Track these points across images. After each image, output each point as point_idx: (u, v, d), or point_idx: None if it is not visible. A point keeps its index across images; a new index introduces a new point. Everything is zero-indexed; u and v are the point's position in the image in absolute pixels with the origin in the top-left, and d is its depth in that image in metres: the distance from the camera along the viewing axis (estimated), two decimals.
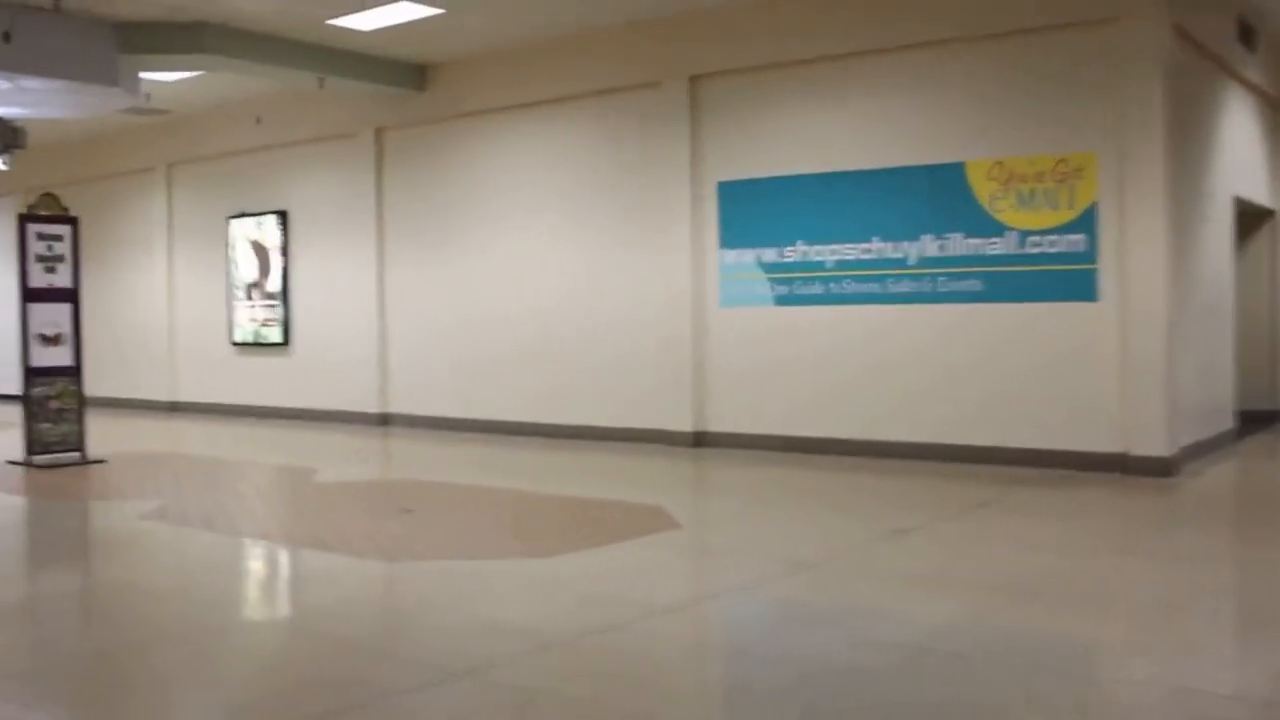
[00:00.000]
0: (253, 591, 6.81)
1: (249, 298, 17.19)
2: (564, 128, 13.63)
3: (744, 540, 7.70)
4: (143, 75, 14.30)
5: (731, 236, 12.24)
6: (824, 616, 5.69)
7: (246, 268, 17.20)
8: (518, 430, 13.85)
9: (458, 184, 14.58)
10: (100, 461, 11.67)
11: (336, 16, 12.42)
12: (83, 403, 11.91)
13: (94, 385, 20.20)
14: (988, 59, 10.70)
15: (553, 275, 13.69)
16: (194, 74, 14.76)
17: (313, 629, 5.61)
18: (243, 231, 17.22)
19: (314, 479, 10.46)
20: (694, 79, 12.48)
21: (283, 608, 6.46)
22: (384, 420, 15.38)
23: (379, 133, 15.43)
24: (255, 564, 7.37)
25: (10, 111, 13.70)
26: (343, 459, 12.55)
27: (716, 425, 12.39)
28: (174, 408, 18.43)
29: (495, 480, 10.37)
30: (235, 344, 17.45)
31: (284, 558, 7.45)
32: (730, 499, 9.79)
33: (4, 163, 13.35)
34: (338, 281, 16.02)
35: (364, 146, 15.53)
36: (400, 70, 14.51)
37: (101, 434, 15.71)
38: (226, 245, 17.46)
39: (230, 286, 17.44)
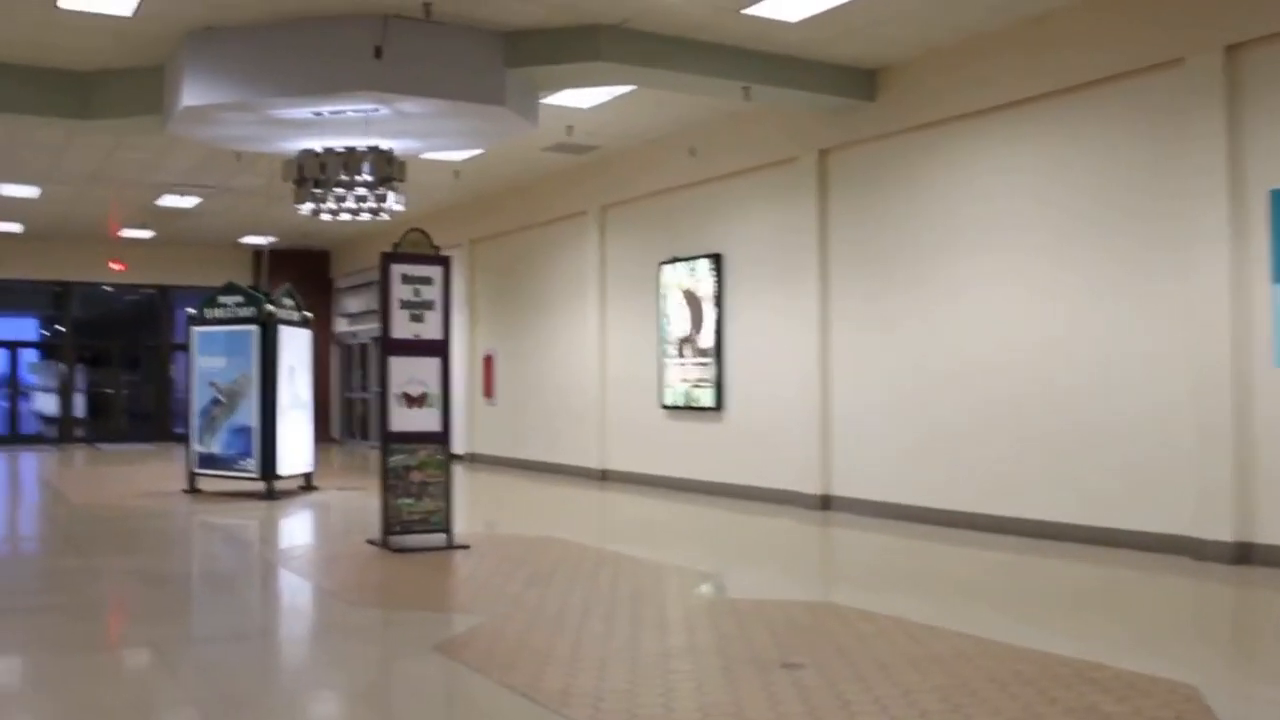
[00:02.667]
0: None
1: (680, 354, 15.07)
2: (1049, 131, 10.39)
3: None
4: (550, 100, 12.59)
5: None
6: None
7: (678, 320, 15.11)
8: (997, 526, 10.62)
9: (917, 212, 11.66)
10: (463, 547, 9.72)
11: (752, 4, 9.96)
12: (449, 475, 10.05)
13: (519, 448, 19.14)
14: None
15: (1039, 323, 10.43)
16: (609, 96, 12.84)
17: None
18: (675, 279, 15.16)
19: (712, 592, 7.87)
20: (1231, 49, 8.91)
21: None
22: (824, 504, 12.62)
23: (822, 155, 12.82)
24: None
25: (405, 146, 12.32)
26: (762, 560, 9.93)
27: (1271, 535, 8.63)
28: (604, 476, 16.63)
29: (950, 610, 7.25)
30: (665, 407, 15.37)
31: None
32: None
33: (396, 201, 11.92)
34: (774, 335, 13.52)
35: (804, 173, 12.97)
36: (843, 75, 11.83)
37: (491, 506, 14.27)
38: (658, 295, 15.47)
39: (662, 341, 15.41)
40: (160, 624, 6.88)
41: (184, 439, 15.04)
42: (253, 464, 13.86)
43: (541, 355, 18.54)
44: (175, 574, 8.77)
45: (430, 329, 10.05)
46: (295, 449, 14.42)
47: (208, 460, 14.33)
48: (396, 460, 9.88)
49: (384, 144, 11.30)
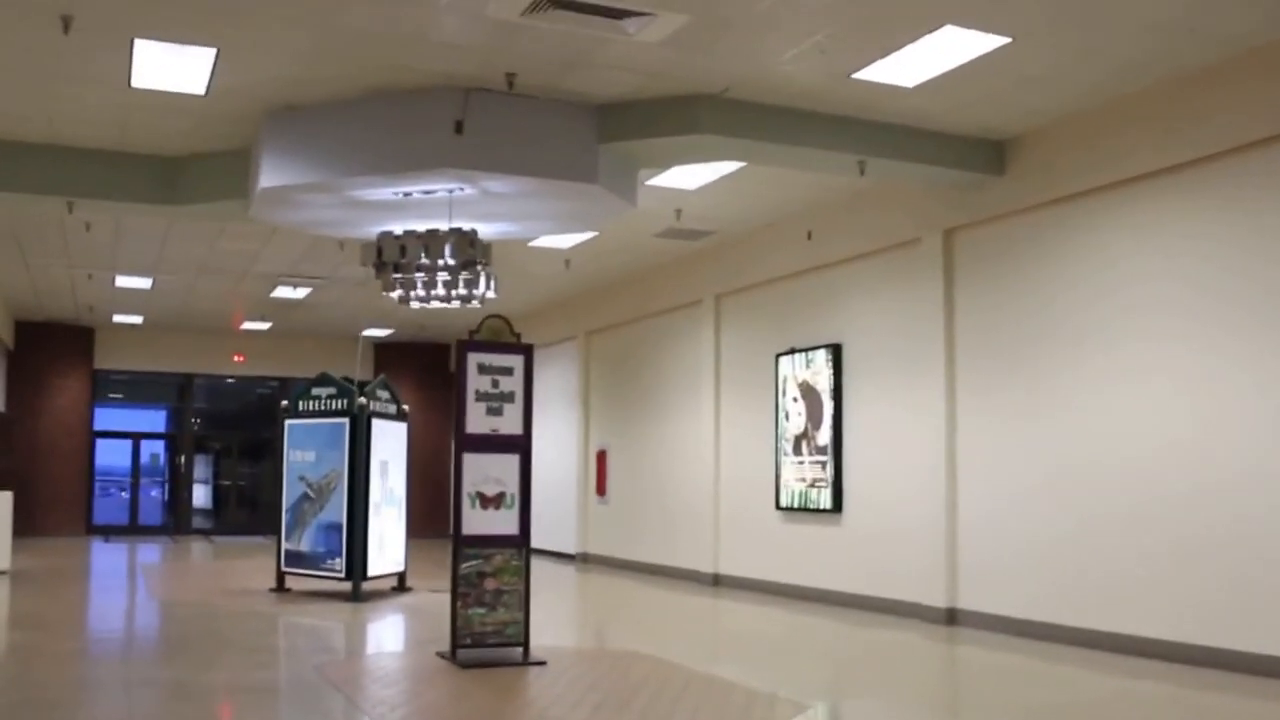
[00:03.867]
0: None
1: (797, 452, 14.00)
2: (1199, 203, 9.21)
3: None
4: (655, 182, 11.87)
5: None
6: None
7: (795, 416, 14.07)
8: (1152, 651, 9.27)
9: (1052, 297, 10.51)
10: (539, 664, 8.77)
11: (863, 67, 9.06)
12: (528, 583, 9.14)
13: (632, 549, 18.13)
14: None
15: (1190, 416, 9.16)
16: (716, 175, 12.03)
17: None
18: (792, 371, 14.15)
19: None
20: None
21: None
22: (950, 618, 11.36)
23: (947, 236, 11.77)
24: None
25: (499, 230, 11.64)
26: (872, 687, 8.76)
27: None
28: (716, 581, 15.54)
29: None
30: (781, 508, 14.27)
31: None
32: None
33: (488, 287, 11.18)
34: (896, 430, 12.40)
35: (929, 255, 11.93)
36: (967, 147, 10.82)
37: (587, 613, 13.26)
38: (775, 389, 14.46)
39: (778, 438, 14.36)
40: None
41: None
42: (340, 563, 13.14)
43: (654, 451, 17.63)
44: (209, 686, 7.96)
45: (509, 423, 9.21)
46: (386, 548, 13.68)
47: (296, 558, 13.67)
48: (469, 566, 9.01)
49: (471, 226, 10.58)
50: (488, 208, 10.70)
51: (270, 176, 10.13)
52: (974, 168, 10.85)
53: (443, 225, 10.54)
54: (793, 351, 14.15)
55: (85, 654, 9.46)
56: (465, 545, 9.00)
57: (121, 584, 14.85)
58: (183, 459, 26.22)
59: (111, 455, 26.62)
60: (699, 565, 15.92)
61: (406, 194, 10.27)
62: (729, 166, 11.69)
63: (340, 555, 13.15)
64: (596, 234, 14.91)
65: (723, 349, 15.86)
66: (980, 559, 11.13)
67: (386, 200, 10.47)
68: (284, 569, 13.81)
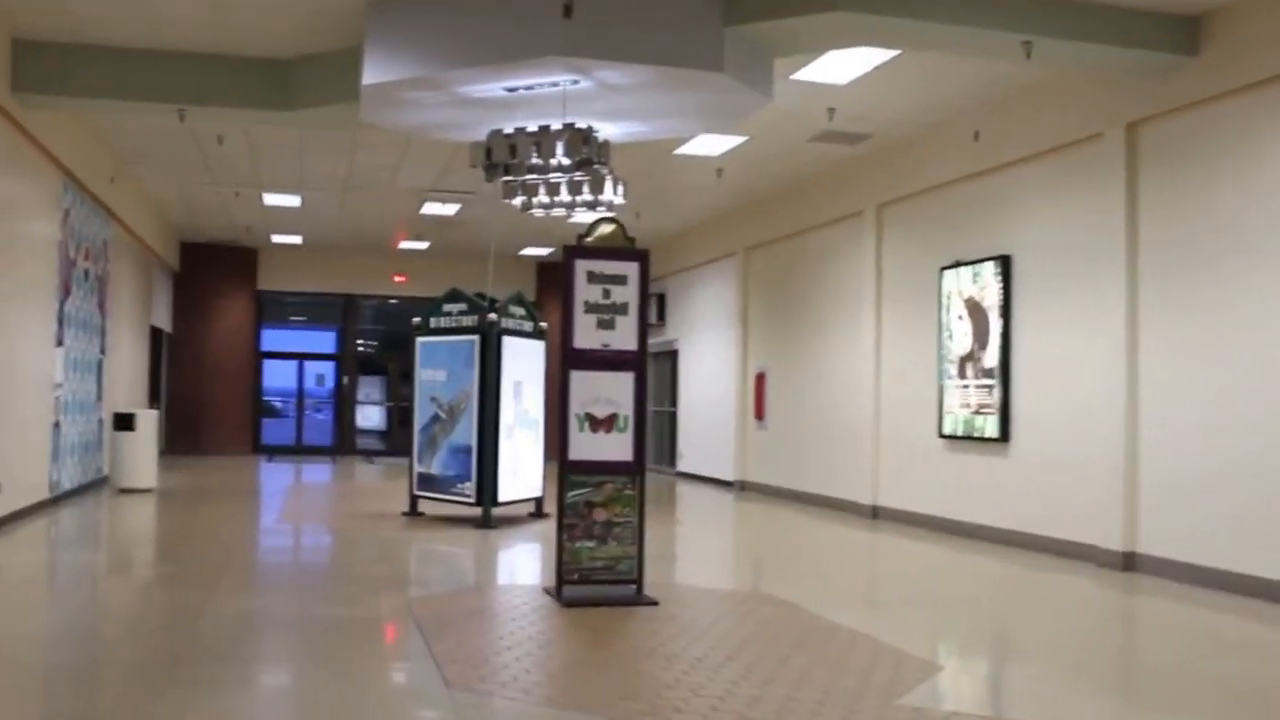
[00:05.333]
0: None
1: (961, 375, 12.76)
2: None
3: None
4: (800, 75, 10.75)
5: None
6: None
7: (960, 335, 12.82)
8: None
9: (1256, 199, 9.02)
10: (650, 603, 7.94)
11: None
12: (642, 514, 8.29)
13: (790, 477, 17.09)
14: None
15: None
16: (868, 67, 10.82)
17: None
18: (957, 287, 12.88)
19: (932, 702, 5.70)
20: None
21: None
22: (1127, 563, 10.08)
23: (1130, 130, 10.31)
24: None
25: (627, 130, 10.68)
26: (1032, 646, 7.66)
27: None
28: (875, 514, 14.46)
29: None
30: (944, 436, 13.08)
31: None
32: None
33: (615, 192, 10.26)
34: (1071, 352, 11.07)
35: (1109, 154, 10.50)
36: (1153, 24, 9.35)
37: (725, 548, 12.29)
38: (939, 305, 13.21)
39: (942, 360, 13.14)
40: (169, 692, 5.40)
41: None
42: (470, 488, 12.54)
43: (814, 374, 16.55)
44: (278, 618, 7.36)
45: (623, 337, 8.32)
46: (521, 473, 13.02)
47: (427, 482, 13.13)
48: (576, 495, 8.21)
49: (587, 123, 9.63)
50: (607, 103, 9.74)
51: (373, 73, 9.38)
52: (1162, 48, 9.37)
53: (558, 124, 9.61)
54: (958, 265, 12.87)
55: (174, 578, 9.04)
56: (572, 472, 8.20)
57: (258, 505, 14.62)
58: (345, 380, 26.24)
59: (279, 376, 26.85)
60: (857, 496, 14.85)
61: (515, 89, 9.39)
62: (880, 55, 10.47)
63: (470, 479, 12.54)
64: (746, 139, 13.86)
65: (884, 263, 14.63)
66: (1163, 498, 9.80)
67: (496, 97, 9.61)
68: (416, 492, 13.30)
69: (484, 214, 19.20)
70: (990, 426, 12.20)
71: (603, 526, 8.23)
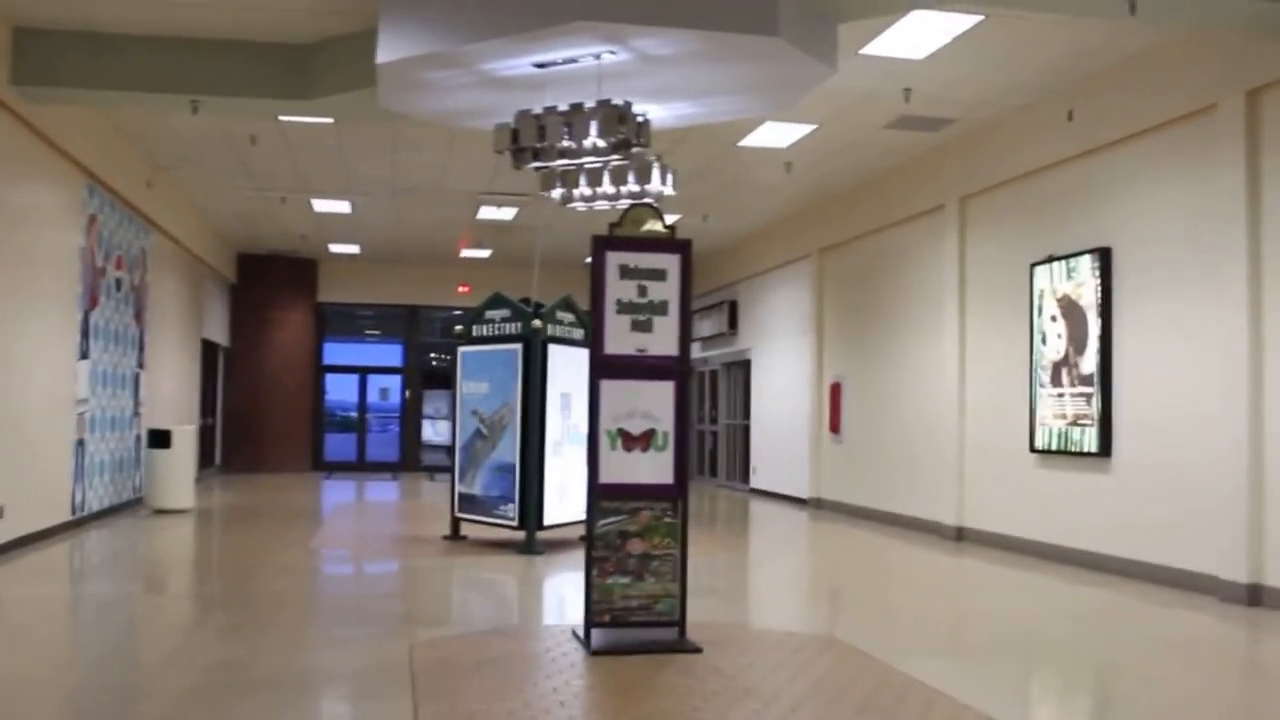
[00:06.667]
0: None
1: (1055, 382, 11.47)
2: None
3: None
4: (870, 50, 9.65)
5: None
6: None
7: (1053, 338, 11.54)
8: None
9: None
10: (693, 650, 6.81)
11: None
12: (684, 546, 7.17)
13: (867, 494, 15.78)
14: None
15: None
16: (947, 38, 9.66)
17: None
18: (1050, 284, 11.60)
19: None
20: None
21: None
22: (1254, 597, 8.74)
23: (1251, 99, 8.99)
24: None
25: (676, 112, 9.61)
26: (1149, 710, 6.39)
27: None
28: (959, 536, 13.18)
29: None
30: (1036, 450, 11.78)
31: None
32: None
33: (662, 180, 9.18)
34: (1182, 355, 9.77)
35: (1226, 126, 9.18)
36: None
37: (791, 574, 10.97)
38: (1030, 307, 11.93)
39: (1033, 366, 11.85)
40: None
41: None
42: (512, 510, 11.50)
43: (892, 383, 15.30)
44: (249, 673, 6.32)
45: (661, 341, 7.22)
46: (568, 494, 11.95)
47: (469, 503, 12.11)
48: (608, 524, 7.12)
49: (637, 106, 8.54)
50: (650, 80, 8.67)
51: (387, 50, 8.41)
52: None
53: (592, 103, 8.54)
54: (1051, 260, 11.59)
55: (154, 617, 8.09)
56: (603, 496, 7.11)
57: (294, 526, 13.68)
58: (409, 393, 25.45)
59: (341, 390, 26.12)
60: (940, 516, 13.58)
61: (546, 65, 8.36)
62: (960, 23, 9.29)
63: (513, 501, 11.50)
64: (815, 127, 12.74)
65: (968, 261, 13.36)
66: None
67: (526, 76, 8.59)
68: (457, 514, 12.30)
69: (543, 218, 18.23)
70: (1089, 439, 10.90)
71: (638, 560, 7.13)
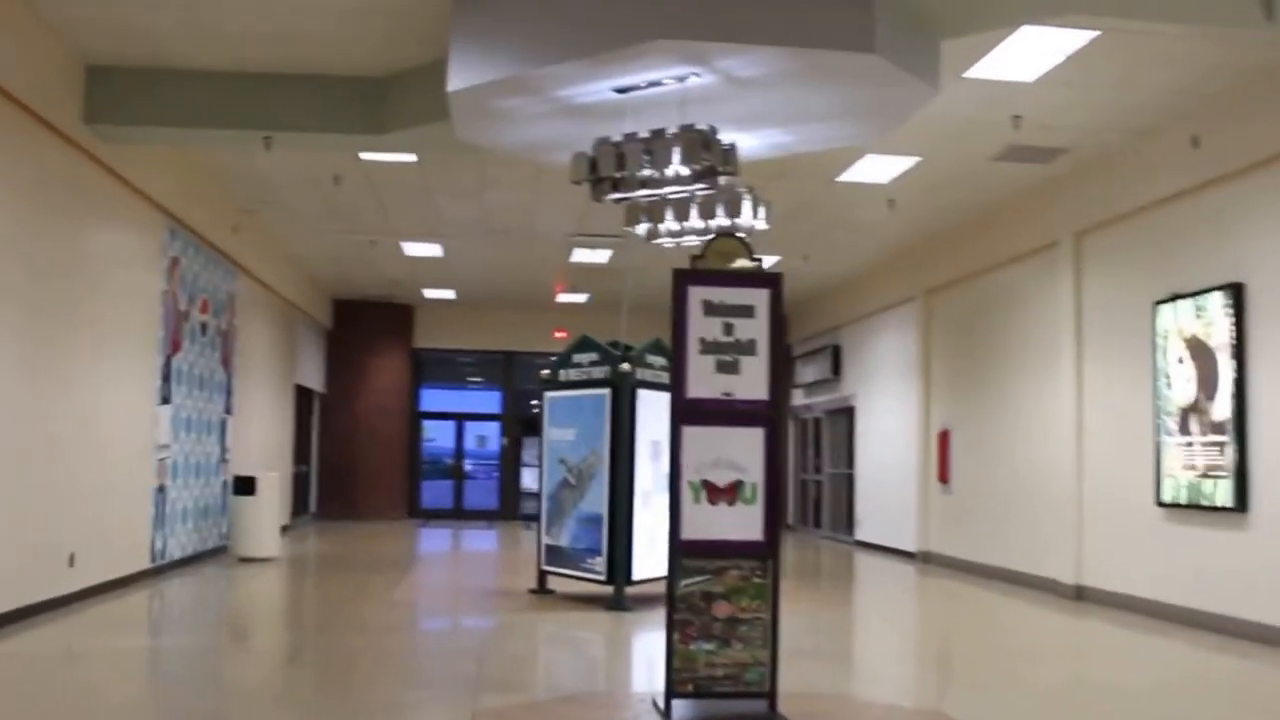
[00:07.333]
0: None
1: (1184, 430, 10.59)
2: None
3: None
4: (975, 73, 9.00)
5: None
6: None
7: (1181, 382, 10.67)
8: None
9: None
10: None
11: None
12: (775, 609, 6.52)
13: (978, 549, 14.90)
14: None
15: None
16: (1060, 57, 8.96)
17: None
18: (1175, 324, 10.75)
19: None
20: None
21: None
22: None
23: None
24: None
25: (769, 142, 9.03)
26: None
27: None
28: (1078, 595, 12.27)
29: None
30: (1163, 504, 10.88)
31: None
32: None
33: (753, 213, 8.60)
34: None
35: None
36: None
37: (897, 637, 10.20)
38: (1154, 348, 11.08)
39: (1159, 413, 10.98)
40: None
41: None
42: (601, 563, 10.91)
43: (1005, 431, 14.44)
44: None
45: (749, 384, 6.62)
46: (659, 546, 11.27)
47: (555, 555, 11.56)
48: (691, 584, 6.50)
49: (726, 134, 7.97)
50: (738, 104, 8.11)
51: (459, 77, 7.97)
52: None
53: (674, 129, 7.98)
54: (1176, 298, 10.73)
55: (217, 668, 7.62)
56: (686, 554, 6.49)
57: (378, 577, 13.22)
58: (507, 441, 25.09)
59: (438, 437, 25.83)
60: (1058, 574, 12.67)
61: (627, 90, 7.85)
62: (1074, 40, 8.59)
63: (601, 553, 10.92)
64: (919, 160, 12.08)
65: (1085, 301, 12.52)
66: None
67: (606, 102, 8.10)
68: (544, 567, 11.75)
69: (636, 260, 17.72)
70: (1222, 493, 10.00)
71: (725, 624, 6.50)
